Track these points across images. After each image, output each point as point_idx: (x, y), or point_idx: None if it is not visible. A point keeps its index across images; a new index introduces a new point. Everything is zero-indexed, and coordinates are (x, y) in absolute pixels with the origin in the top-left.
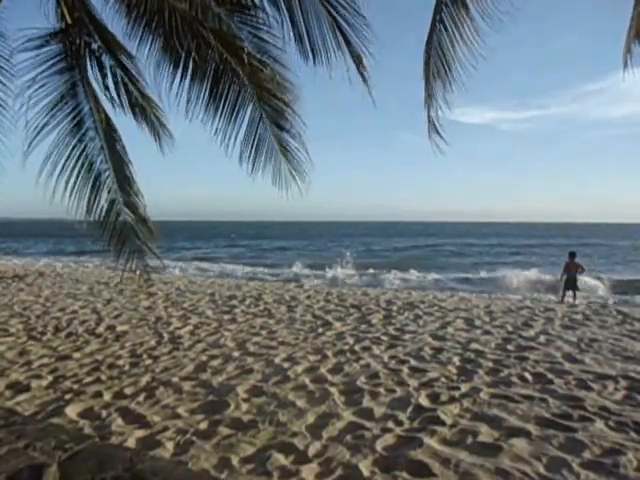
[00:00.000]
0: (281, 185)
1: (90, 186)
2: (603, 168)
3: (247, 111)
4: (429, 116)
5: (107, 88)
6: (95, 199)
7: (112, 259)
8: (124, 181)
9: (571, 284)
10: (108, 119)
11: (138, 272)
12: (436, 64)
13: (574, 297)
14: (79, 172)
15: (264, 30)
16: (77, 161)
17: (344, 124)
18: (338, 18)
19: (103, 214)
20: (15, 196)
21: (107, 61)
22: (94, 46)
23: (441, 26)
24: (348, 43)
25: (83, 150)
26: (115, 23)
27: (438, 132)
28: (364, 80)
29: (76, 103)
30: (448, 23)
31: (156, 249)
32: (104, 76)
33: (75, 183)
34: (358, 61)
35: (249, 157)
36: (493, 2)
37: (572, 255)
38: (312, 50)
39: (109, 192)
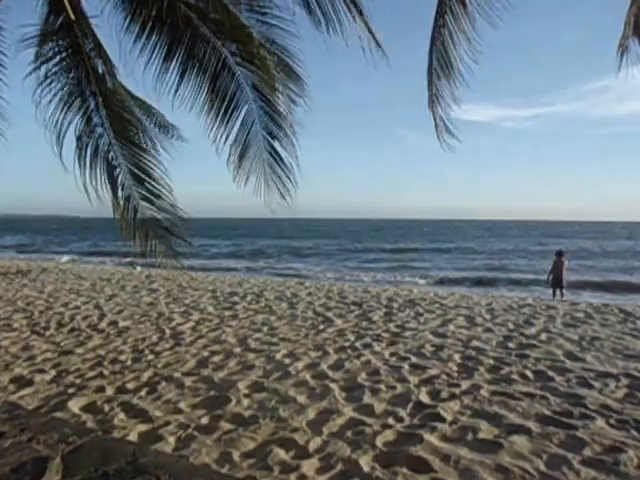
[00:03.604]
0: (262, 195)
1: (104, 184)
2: (606, 166)
3: (241, 114)
4: (435, 116)
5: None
6: (110, 196)
7: (138, 256)
8: (141, 172)
9: (557, 281)
10: (125, 107)
11: (169, 264)
12: (440, 64)
13: (561, 294)
14: (93, 169)
15: (271, 14)
16: (89, 159)
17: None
18: None
19: (120, 211)
20: (17, 193)
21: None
22: (88, 47)
23: (444, 27)
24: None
25: (96, 148)
26: (111, 18)
27: (450, 131)
28: (378, 44)
29: (82, 100)
30: (450, 23)
31: (186, 238)
32: (106, 75)
33: (88, 181)
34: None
35: (235, 162)
36: (492, 1)
37: (560, 254)
38: (324, 16)
39: (123, 189)
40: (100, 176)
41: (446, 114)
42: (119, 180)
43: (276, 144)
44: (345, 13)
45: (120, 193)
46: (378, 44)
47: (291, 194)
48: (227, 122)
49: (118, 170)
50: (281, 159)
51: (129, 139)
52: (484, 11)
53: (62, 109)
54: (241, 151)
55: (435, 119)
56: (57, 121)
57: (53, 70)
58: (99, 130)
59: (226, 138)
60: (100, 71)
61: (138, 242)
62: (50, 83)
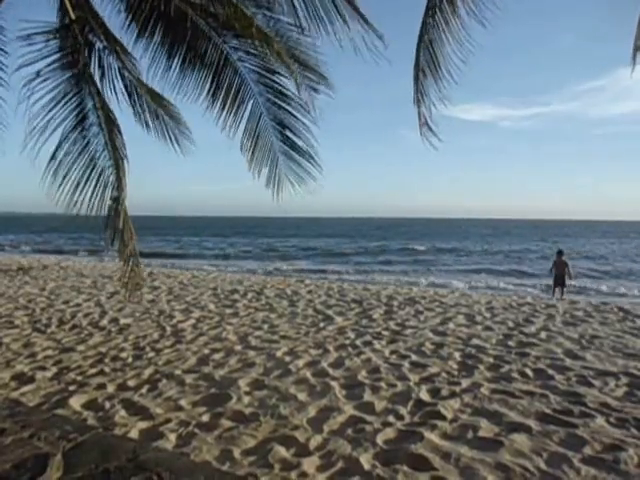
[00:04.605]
0: (277, 186)
1: (94, 184)
2: (605, 166)
3: (247, 107)
4: (419, 114)
5: (113, 90)
6: (98, 197)
7: (111, 258)
8: (123, 177)
9: (559, 280)
10: (109, 114)
11: (138, 271)
12: (427, 62)
13: (561, 293)
14: (83, 169)
15: (278, 10)
16: (82, 157)
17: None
18: None
19: (105, 213)
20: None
21: (113, 62)
22: (99, 45)
23: (432, 25)
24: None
25: (86, 146)
26: (113, 16)
27: (431, 129)
28: (366, 23)
29: (80, 99)
30: (439, 22)
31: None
32: (105, 76)
33: (79, 180)
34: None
35: (248, 156)
36: (483, 2)
37: (560, 253)
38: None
39: (112, 190)
40: (84, 175)
41: (429, 112)
42: (109, 181)
43: (288, 132)
44: (338, 15)
45: (109, 193)
46: (379, 37)
47: (315, 179)
48: (234, 116)
49: (110, 170)
50: (297, 146)
51: (115, 143)
52: (472, 11)
53: (55, 106)
54: (252, 144)
55: (419, 116)
56: (47, 119)
57: (49, 68)
58: (94, 129)
59: (235, 131)
60: (102, 71)
61: (117, 246)
62: (46, 79)
